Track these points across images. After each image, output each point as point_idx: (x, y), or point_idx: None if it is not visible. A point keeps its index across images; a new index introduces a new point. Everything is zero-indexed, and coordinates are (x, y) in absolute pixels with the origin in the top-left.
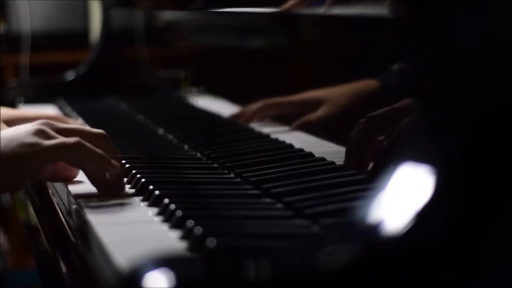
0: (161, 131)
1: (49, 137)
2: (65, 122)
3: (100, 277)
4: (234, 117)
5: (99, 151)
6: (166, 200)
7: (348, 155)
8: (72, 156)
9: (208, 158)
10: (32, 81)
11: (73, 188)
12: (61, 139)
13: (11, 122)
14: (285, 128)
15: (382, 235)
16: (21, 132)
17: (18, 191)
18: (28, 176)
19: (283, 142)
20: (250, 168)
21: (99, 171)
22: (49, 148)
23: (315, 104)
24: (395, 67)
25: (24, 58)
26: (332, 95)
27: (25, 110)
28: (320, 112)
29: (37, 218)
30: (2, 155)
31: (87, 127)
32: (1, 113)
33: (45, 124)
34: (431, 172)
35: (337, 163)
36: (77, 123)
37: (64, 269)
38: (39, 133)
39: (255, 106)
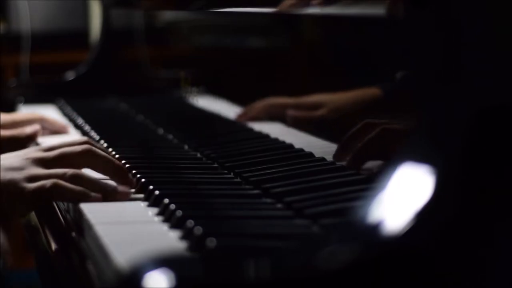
0: (161, 131)
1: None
2: (52, 124)
3: (100, 277)
4: (237, 117)
5: (76, 188)
6: (166, 200)
7: (343, 150)
8: (54, 199)
9: (208, 158)
10: (32, 81)
11: None
12: (38, 184)
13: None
14: (285, 128)
15: (382, 235)
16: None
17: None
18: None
19: (283, 142)
20: (250, 168)
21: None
22: (29, 194)
23: (318, 106)
24: (397, 72)
25: (24, 58)
26: (336, 98)
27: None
28: (323, 111)
29: (37, 218)
30: None
31: (71, 147)
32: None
33: (30, 160)
34: (431, 172)
35: (337, 163)
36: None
37: (64, 269)
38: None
39: (258, 105)
